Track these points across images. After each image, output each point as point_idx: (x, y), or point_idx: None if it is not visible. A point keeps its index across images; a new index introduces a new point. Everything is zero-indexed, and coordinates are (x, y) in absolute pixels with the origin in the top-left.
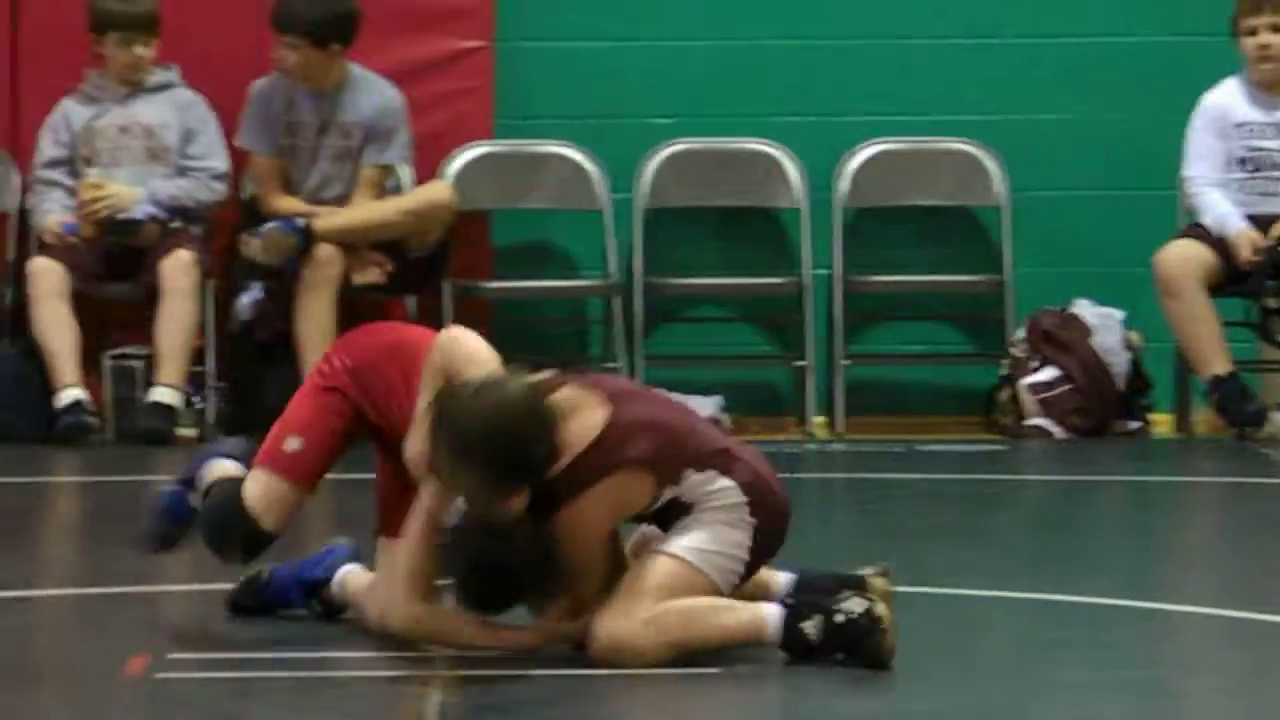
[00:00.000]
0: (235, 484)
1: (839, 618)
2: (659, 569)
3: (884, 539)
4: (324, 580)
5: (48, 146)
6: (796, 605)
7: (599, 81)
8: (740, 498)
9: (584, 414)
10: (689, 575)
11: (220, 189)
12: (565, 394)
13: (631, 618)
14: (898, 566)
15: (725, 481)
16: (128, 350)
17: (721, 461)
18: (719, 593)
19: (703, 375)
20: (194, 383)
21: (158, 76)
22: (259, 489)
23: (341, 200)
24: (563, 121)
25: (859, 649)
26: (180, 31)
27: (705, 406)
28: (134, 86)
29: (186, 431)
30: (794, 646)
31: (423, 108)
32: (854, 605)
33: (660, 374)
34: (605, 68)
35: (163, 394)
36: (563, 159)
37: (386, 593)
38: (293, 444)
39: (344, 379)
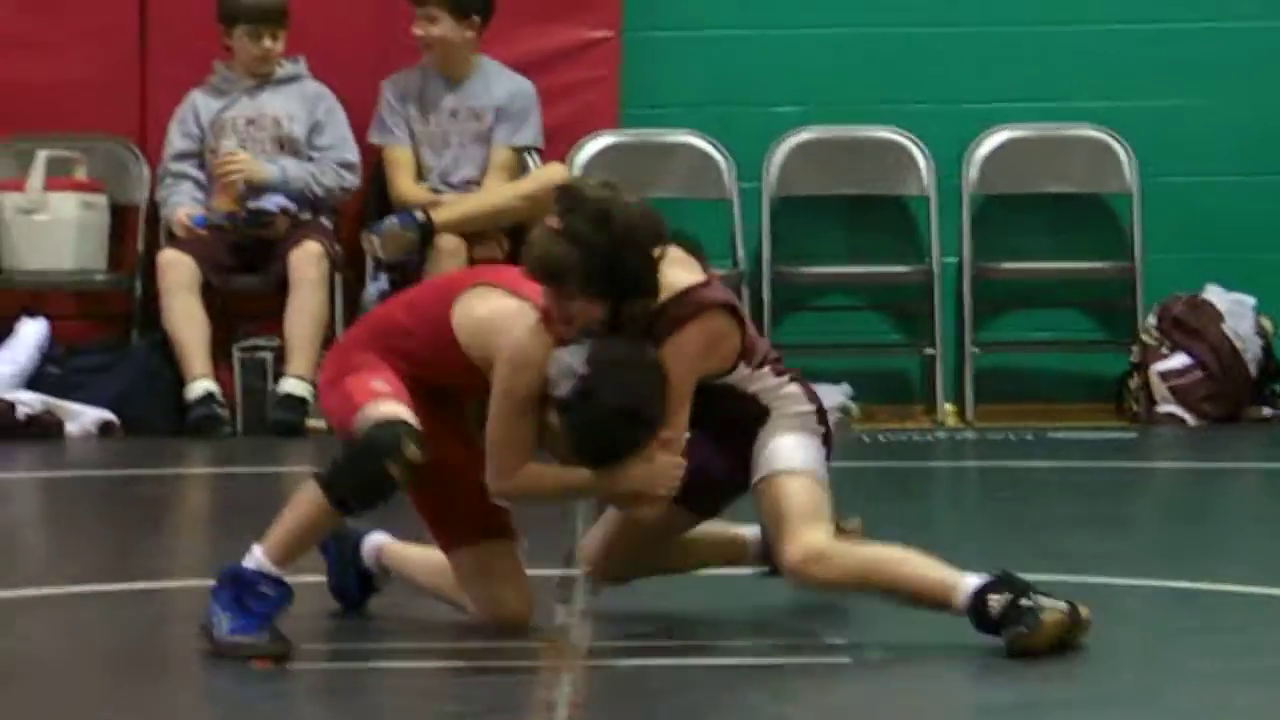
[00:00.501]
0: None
1: (1025, 601)
2: (799, 488)
3: (1015, 527)
4: (358, 568)
5: (176, 139)
6: (996, 579)
7: (726, 70)
8: (809, 405)
9: (683, 267)
10: (821, 489)
11: (350, 179)
12: (671, 250)
13: (818, 533)
14: (1030, 554)
15: (794, 388)
16: (257, 342)
17: (783, 369)
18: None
19: (831, 364)
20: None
21: (285, 69)
22: (387, 409)
23: (471, 184)
24: (689, 110)
25: (1011, 633)
26: (307, 24)
27: (833, 394)
28: (262, 79)
29: (316, 423)
30: (978, 618)
31: (550, 98)
32: (1045, 601)
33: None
34: (732, 56)
35: (293, 385)
36: (690, 148)
37: (492, 468)
38: (379, 384)
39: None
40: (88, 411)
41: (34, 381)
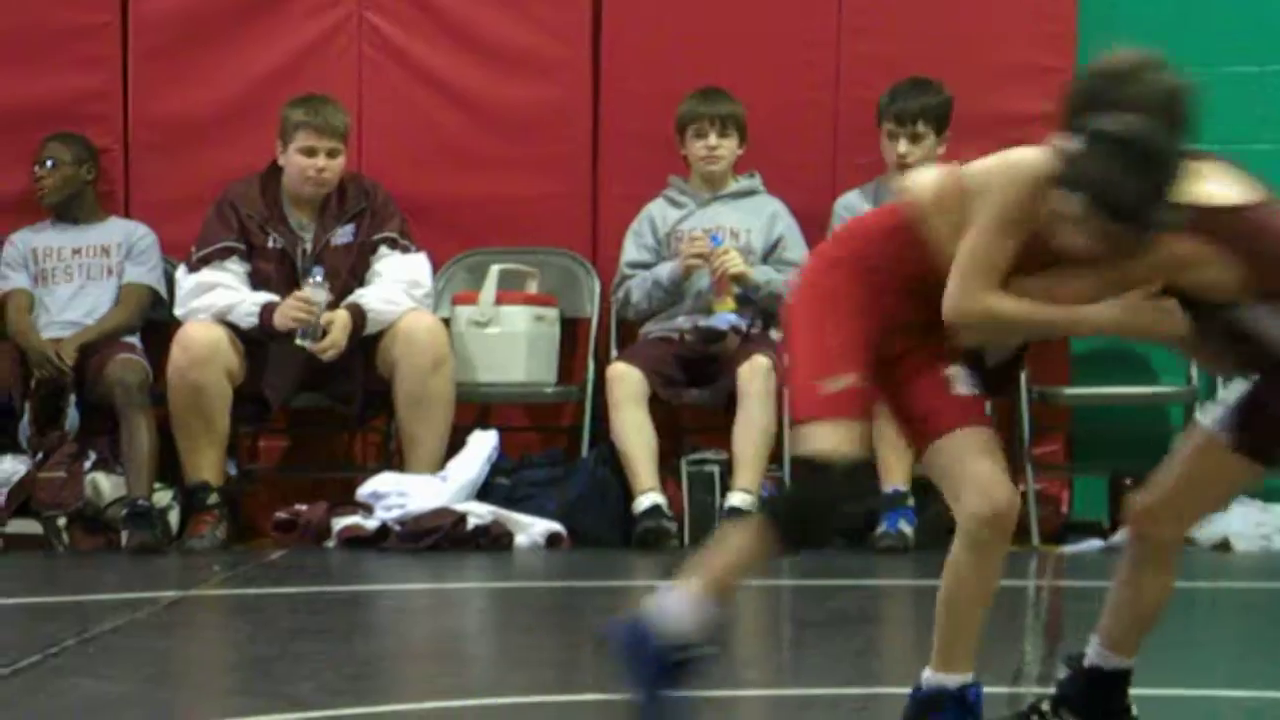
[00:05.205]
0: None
1: None
2: None
3: None
4: None
5: (632, 249)
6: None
7: None
8: None
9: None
10: None
11: None
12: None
13: None
14: None
15: None
16: (705, 455)
17: None
18: None
19: None
20: (770, 488)
21: (741, 183)
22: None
23: None
24: None
25: None
26: (763, 142)
27: None
28: (716, 188)
29: None
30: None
31: None
32: None
33: None
34: None
35: (740, 499)
36: None
37: (956, 288)
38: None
39: None
40: (536, 523)
41: (484, 493)
